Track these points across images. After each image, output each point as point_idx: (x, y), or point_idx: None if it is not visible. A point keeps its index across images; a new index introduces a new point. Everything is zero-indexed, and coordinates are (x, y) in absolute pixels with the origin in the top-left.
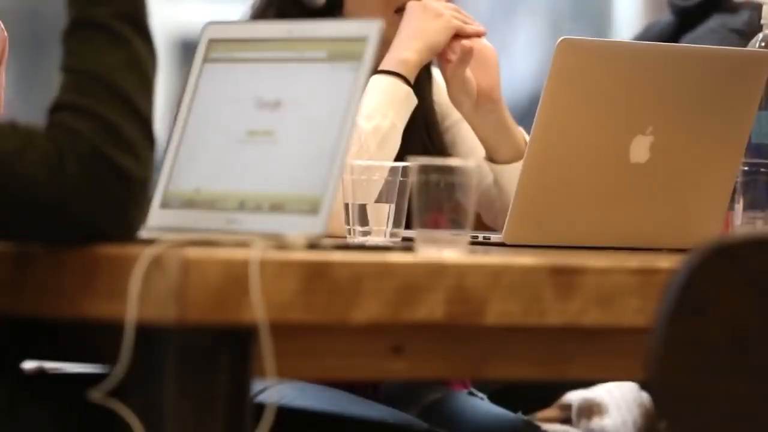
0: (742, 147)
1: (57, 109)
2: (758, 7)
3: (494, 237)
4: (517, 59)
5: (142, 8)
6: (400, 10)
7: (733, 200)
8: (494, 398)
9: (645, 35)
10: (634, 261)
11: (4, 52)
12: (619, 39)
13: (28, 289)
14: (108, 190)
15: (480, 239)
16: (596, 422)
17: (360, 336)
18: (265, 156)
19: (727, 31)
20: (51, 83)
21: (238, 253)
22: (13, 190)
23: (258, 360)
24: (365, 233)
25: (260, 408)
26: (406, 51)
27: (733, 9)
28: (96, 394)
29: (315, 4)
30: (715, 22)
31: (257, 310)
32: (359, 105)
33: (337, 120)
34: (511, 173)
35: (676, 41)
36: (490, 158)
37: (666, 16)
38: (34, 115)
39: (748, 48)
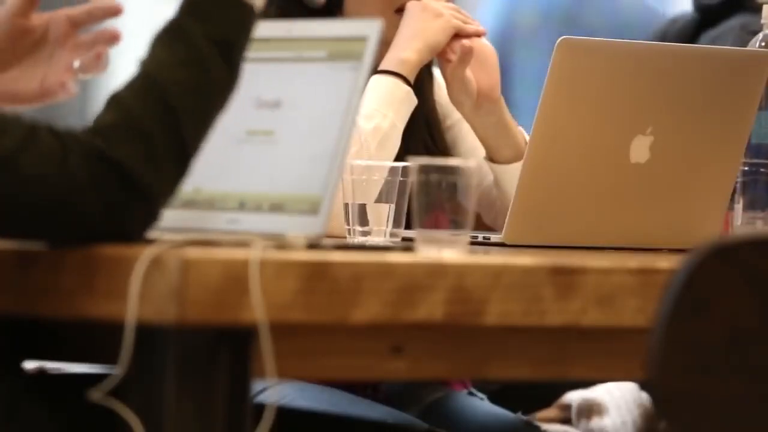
0: (742, 147)
1: (109, 101)
2: None
3: (494, 237)
4: None
5: (240, 36)
6: (400, 10)
7: (733, 200)
8: (494, 398)
9: (667, 30)
10: (634, 261)
11: None
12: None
13: (28, 289)
14: (111, 193)
15: (480, 239)
16: (596, 422)
17: (360, 336)
18: (265, 156)
19: (745, 32)
20: None
21: (238, 253)
22: (15, 185)
23: (258, 360)
24: (365, 233)
25: (260, 408)
26: (406, 51)
27: (757, 9)
28: (96, 394)
29: (315, 3)
30: (737, 21)
31: (257, 310)
32: (359, 105)
33: (337, 120)
34: (511, 173)
35: (696, 37)
36: (491, 158)
37: (688, 12)
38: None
39: (748, 48)
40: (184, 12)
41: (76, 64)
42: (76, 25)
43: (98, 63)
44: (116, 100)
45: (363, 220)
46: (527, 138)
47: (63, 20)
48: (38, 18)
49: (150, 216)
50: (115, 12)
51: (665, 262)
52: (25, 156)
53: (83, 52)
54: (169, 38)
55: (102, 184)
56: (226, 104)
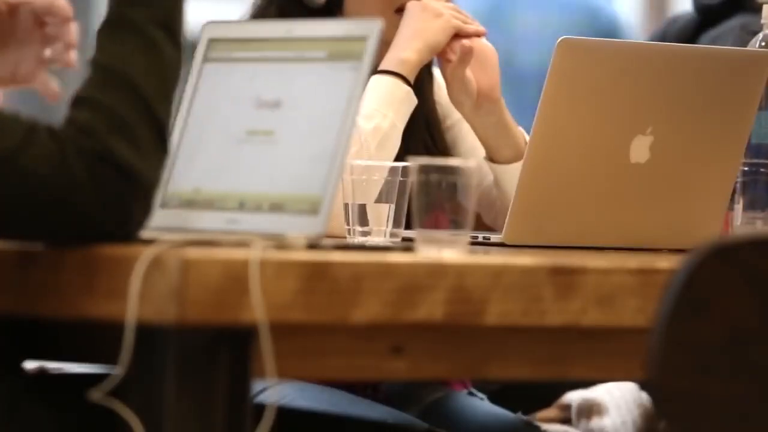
0: (742, 147)
1: (77, 102)
2: None
3: (494, 237)
4: None
5: (178, 17)
6: (400, 10)
7: (733, 200)
8: (494, 398)
9: (666, 30)
10: (634, 261)
11: None
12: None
13: (28, 289)
14: (111, 188)
15: (480, 239)
16: (596, 422)
17: (360, 336)
18: (265, 156)
19: (745, 32)
20: None
21: (238, 253)
22: (15, 186)
23: (258, 360)
24: (365, 233)
25: (260, 408)
26: (406, 51)
27: (757, 9)
28: (96, 394)
29: (315, 3)
30: (737, 21)
31: (257, 310)
32: (359, 105)
33: (337, 120)
34: (512, 173)
35: (696, 37)
36: (491, 158)
37: (688, 11)
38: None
39: (748, 48)
40: (122, 3)
41: (48, 52)
42: (39, 17)
43: (67, 55)
44: (83, 99)
45: (363, 220)
46: (527, 138)
47: (28, 11)
48: (3, 4)
49: (148, 205)
50: (66, 18)
51: (665, 262)
52: (24, 156)
53: (52, 43)
54: (116, 30)
55: (102, 181)
56: (179, 79)
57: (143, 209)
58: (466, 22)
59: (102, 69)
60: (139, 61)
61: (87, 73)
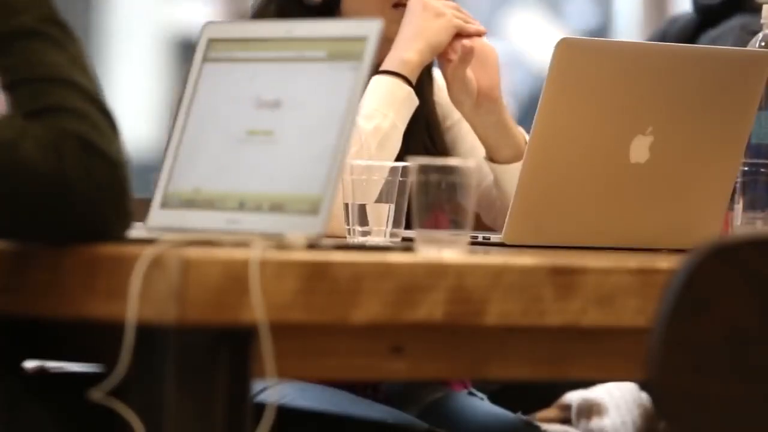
0: (742, 147)
1: (32, 114)
2: None
3: (494, 237)
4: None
5: (56, 8)
6: (397, 5)
7: (733, 200)
8: (494, 398)
9: (667, 30)
10: (634, 261)
11: None
12: (618, 38)
13: (28, 289)
14: (102, 175)
15: (480, 239)
16: (596, 422)
17: (360, 336)
18: (265, 156)
19: (745, 32)
20: None
21: (238, 253)
22: (14, 179)
23: (258, 360)
24: (365, 233)
25: (260, 408)
26: (408, 51)
27: (757, 9)
28: (96, 394)
29: (313, 1)
30: (737, 21)
31: (257, 310)
32: (359, 105)
33: (337, 120)
34: (512, 173)
35: (696, 37)
36: (491, 158)
37: (688, 12)
38: None
39: (748, 48)
40: (7, 17)
41: None
42: None
43: None
44: (42, 110)
45: (363, 220)
46: (527, 138)
47: None
48: None
49: (131, 185)
50: None
51: (665, 262)
52: (21, 148)
53: None
54: (21, 42)
55: (95, 170)
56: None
57: (131, 192)
58: (467, 22)
59: (39, 81)
60: (59, 59)
61: (21, 91)
